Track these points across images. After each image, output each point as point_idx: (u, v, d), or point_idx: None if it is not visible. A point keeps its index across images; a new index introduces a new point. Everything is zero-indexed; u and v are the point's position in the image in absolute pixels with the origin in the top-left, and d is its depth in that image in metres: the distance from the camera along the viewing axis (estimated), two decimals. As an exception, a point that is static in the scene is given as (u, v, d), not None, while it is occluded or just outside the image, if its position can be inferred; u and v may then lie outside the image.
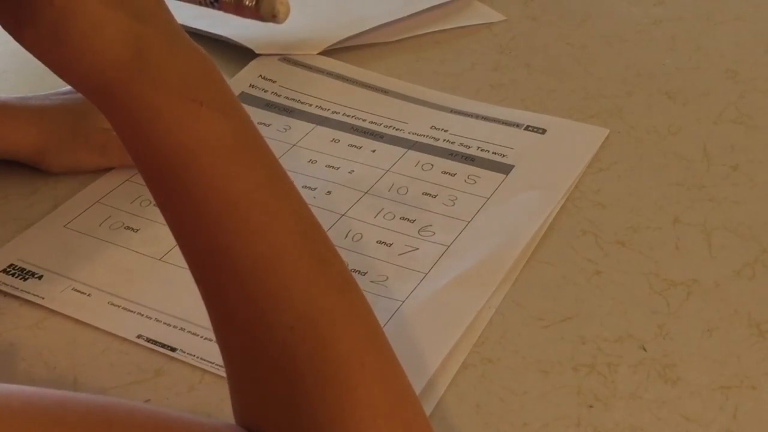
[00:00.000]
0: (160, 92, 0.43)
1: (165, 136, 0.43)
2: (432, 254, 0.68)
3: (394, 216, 0.71)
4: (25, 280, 0.65)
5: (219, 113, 0.44)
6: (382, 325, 0.61)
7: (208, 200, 0.43)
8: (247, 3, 0.52)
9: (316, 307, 0.43)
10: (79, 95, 0.76)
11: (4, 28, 0.47)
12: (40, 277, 0.65)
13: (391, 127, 0.82)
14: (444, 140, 0.80)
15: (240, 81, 0.88)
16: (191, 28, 0.95)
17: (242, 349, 0.44)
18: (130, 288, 0.65)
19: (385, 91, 0.87)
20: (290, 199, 0.45)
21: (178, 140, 0.43)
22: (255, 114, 0.84)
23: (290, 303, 0.43)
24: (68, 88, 0.78)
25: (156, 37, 0.44)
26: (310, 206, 0.49)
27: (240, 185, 0.43)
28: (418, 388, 0.57)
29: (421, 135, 0.81)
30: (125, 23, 0.43)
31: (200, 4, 0.60)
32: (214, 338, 0.60)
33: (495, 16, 1.00)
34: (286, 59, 0.91)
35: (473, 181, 0.75)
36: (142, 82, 0.43)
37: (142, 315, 0.62)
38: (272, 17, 0.51)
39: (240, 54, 0.91)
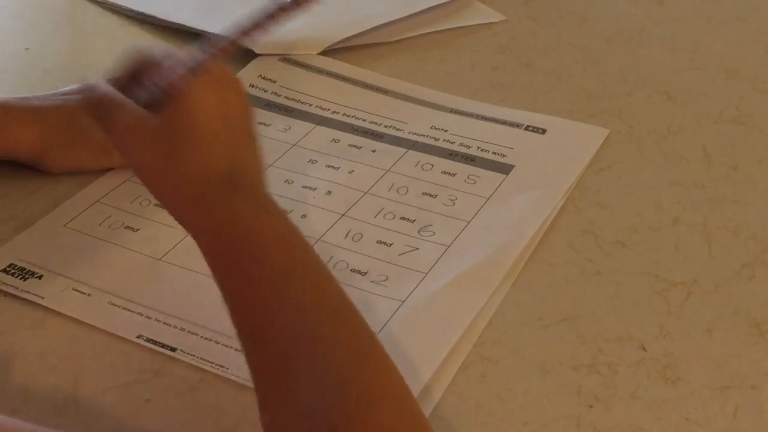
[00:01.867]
0: (247, 201, 0.54)
1: (244, 235, 0.52)
2: (432, 254, 0.68)
3: (394, 216, 0.71)
4: (25, 279, 0.65)
5: (280, 220, 0.54)
6: (382, 326, 0.61)
7: (263, 280, 0.51)
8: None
9: (352, 374, 0.47)
10: (80, 95, 0.77)
11: (119, 150, 0.59)
12: (40, 277, 0.65)
13: (391, 127, 0.82)
14: (444, 140, 0.80)
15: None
16: (191, 28, 0.96)
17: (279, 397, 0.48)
18: (130, 288, 0.64)
19: (385, 91, 0.87)
20: (330, 280, 0.53)
21: (253, 239, 0.52)
22: (255, 114, 0.83)
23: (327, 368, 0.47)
24: (68, 88, 0.78)
25: (246, 159, 0.56)
26: (310, 206, 0.64)
27: (290, 268, 0.52)
28: (417, 388, 0.57)
29: (421, 135, 0.81)
30: (228, 145, 0.55)
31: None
32: (214, 338, 0.61)
33: (495, 16, 1.00)
34: (287, 59, 0.91)
35: (473, 181, 0.75)
36: (234, 191, 0.54)
37: (142, 315, 0.62)
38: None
39: (240, 54, 0.91)
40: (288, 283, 0.51)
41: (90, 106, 0.58)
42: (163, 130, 0.55)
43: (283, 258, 0.52)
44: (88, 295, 0.64)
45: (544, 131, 0.81)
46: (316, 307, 0.50)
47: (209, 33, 0.92)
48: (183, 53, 0.56)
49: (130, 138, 0.56)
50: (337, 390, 0.46)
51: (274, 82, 0.88)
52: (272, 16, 0.55)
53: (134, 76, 0.58)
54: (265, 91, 0.87)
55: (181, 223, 0.56)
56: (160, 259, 0.67)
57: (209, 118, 0.55)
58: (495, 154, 0.78)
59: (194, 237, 0.55)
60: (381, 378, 0.48)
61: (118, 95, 0.57)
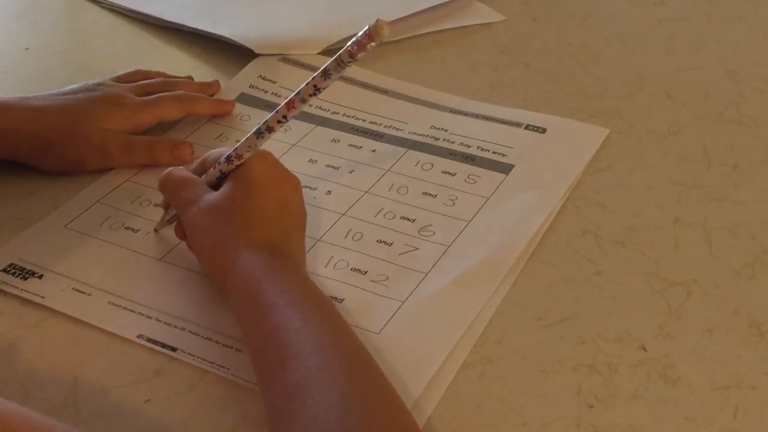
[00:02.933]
0: (282, 264, 0.59)
1: (276, 295, 0.56)
2: (432, 254, 0.68)
3: (395, 216, 0.71)
4: (26, 279, 0.65)
5: (313, 286, 0.59)
6: (382, 326, 0.61)
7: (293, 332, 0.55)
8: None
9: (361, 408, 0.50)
10: (80, 95, 0.77)
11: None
12: (40, 277, 0.65)
13: (391, 127, 0.82)
14: (444, 140, 0.80)
15: (240, 81, 0.88)
16: (191, 28, 0.96)
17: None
18: (130, 288, 0.65)
19: (385, 91, 0.87)
20: (346, 329, 0.56)
21: (283, 298, 0.56)
22: (255, 114, 0.84)
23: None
24: (68, 88, 0.78)
25: (291, 243, 0.62)
26: (310, 206, 0.67)
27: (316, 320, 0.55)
28: (417, 389, 0.57)
29: (421, 135, 0.81)
30: (275, 225, 0.62)
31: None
32: (214, 338, 0.61)
33: (495, 16, 1.00)
34: (286, 59, 0.91)
35: (473, 181, 0.75)
36: (272, 256, 0.59)
37: (142, 315, 0.62)
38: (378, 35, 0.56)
39: (240, 54, 0.91)
40: (310, 325, 0.54)
41: (161, 185, 0.66)
42: (221, 200, 0.62)
43: (307, 306, 0.56)
44: (88, 294, 0.64)
45: (544, 131, 0.81)
46: (333, 346, 0.53)
47: (209, 33, 0.93)
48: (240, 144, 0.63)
49: (189, 206, 0.63)
50: (339, 416, 0.48)
51: (274, 82, 0.88)
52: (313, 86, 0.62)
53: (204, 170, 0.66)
54: (265, 92, 0.87)
55: (215, 280, 0.62)
56: (160, 259, 0.67)
57: (264, 200, 0.62)
58: (495, 153, 0.78)
59: (226, 294, 0.60)
60: (381, 409, 0.50)
61: (186, 175, 0.65)
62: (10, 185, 0.74)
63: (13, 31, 1.01)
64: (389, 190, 0.74)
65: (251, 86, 0.87)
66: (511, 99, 0.86)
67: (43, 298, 0.63)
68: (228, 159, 0.63)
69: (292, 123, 0.82)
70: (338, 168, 0.77)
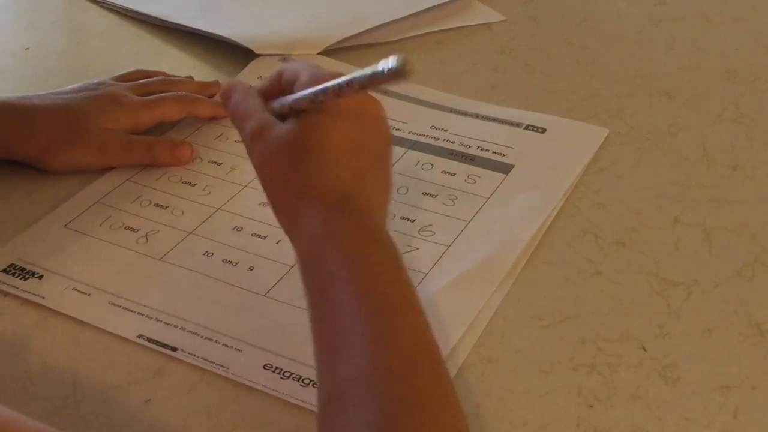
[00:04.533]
0: (349, 222, 0.53)
1: (335, 254, 0.52)
2: (432, 254, 0.68)
3: (394, 216, 0.71)
4: (26, 279, 0.65)
5: (381, 250, 0.53)
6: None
7: (341, 303, 0.50)
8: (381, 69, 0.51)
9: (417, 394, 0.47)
10: (80, 95, 0.77)
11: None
12: (40, 277, 0.65)
13: (390, 126, 0.82)
14: (444, 140, 0.80)
15: (240, 81, 0.88)
16: (191, 28, 0.96)
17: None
18: (130, 288, 0.65)
19: (384, 91, 0.87)
20: (416, 320, 0.51)
21: (342, 260, 0.52)
22: (255, 114, 0.84)
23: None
24: (68, 87, 0.78)
25: (365, 188, 0.56)
26: None
27: (372, 299, 0.51)
28: (418, 388, 0.57)
29: (421, 135, 0.81)
30: (349, 169, 0.55)
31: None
32: (214, 338, 0.61)
33: (495, 16, 1.00)
34: (286, 59, 0.91)
35: (473, 181, 0.75)
36: (340, 210, 0.54)
37: (142, 315, 0.62)
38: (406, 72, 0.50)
39: (240, 54, 0.91)
40: (365, 312, 0.50)
41: (227, 109, 0.61)
42: (289, 139, 0.56)
43: (367, 286, 0.51)
44: (88, 295, 0.64)
45: (544, 131, 0.81)
46: (387, 344, 0.48)
47: (209, 33, 0.93)
48: (335, 73, 0.56)
49: (254, 142, 0.58)
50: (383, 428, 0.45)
51: (274, 82, 0.88)
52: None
53: (281, 89, 0.60)
54: (265, 91, 0.87)
55: (282, 226, 0.57)
56: (160, 259, 0.67)
57: (337, 139, 0.55)
58: (495, 153, 0.78)
59: (292, 242, 0.56)
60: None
61: (253, 102, 0.59)
62: (10, 185, 0.74)
63: (13, 31, 1.01)
64: (389, 190, 0.74)
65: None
66: (511, 99, 0.86)
67: (43, 298, 0.63)
68: (314, 97, 0.56)
69: (292, 123, 0.82)
70: (338, 168, 0.77)
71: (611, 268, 0.67)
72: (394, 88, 0.87)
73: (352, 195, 0.55)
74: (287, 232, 0.57)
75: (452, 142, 0.79)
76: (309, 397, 0.56)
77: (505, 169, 0.76)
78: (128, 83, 0.80)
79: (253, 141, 0.58)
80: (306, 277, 0.53)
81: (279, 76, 0.60)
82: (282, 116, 0.58)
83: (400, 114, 0.83)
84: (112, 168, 0.76)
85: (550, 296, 0.65)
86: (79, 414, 0.56)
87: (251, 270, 0.66)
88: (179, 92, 0.80)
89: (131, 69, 0.84)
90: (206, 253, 0.68)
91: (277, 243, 0.68)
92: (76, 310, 0.63)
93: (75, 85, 0.79)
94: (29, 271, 0.66)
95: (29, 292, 0.64)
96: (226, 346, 0.60)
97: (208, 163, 0.77)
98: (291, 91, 0.58)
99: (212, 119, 0.82)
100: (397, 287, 0.52)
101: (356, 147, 0.56)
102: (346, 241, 0.53)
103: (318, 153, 0.55)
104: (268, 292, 0.64)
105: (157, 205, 0.72)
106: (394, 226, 0.70)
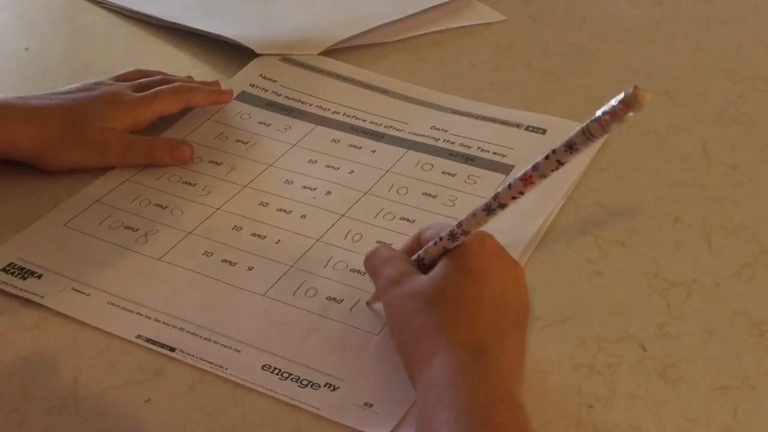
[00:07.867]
0: (495, 378, 0.51)
1: (452, 413, 0.49)
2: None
3: (394, 216, 0.71)
4: (25, 279, 0.65)
5: (508, 414, 0.49)
6: (382, 327, 0.61)
7: None
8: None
9: None
10: (79, 95, 0.77)
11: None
12: (39, 277, 0.65)
13: (391, 127, 0.82)
14: (444, 140, 0.80)
15: (240, 80, 0.88)
16: (191, 28, 0.96)
17: None
18: (130, 288, 0.64)
19: (385, 92, 0.87)
20: None
21: (460, 420, 0.48)
22: (255, 113, 0.84)
23: None
24: (68, 87, 0.78)
25: (504, 348, 0.53)
26: (310, 206, 0.67)
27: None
28: (418, 388, 0.57)
29: (421, 135, 0.81)
30: (489, 327, 0.54)
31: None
32: (213, 338, 0.61)
33: (495, 16, 1.00)
34: (287, 59, 0.91)
35: (473, 182, 0.75)
36: (486, 361, 0.52)
37: (142, 315, 0.62)
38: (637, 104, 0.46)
39: (240, 54, 0.91)
40: None
41: (366, 261, 0.61)
42: (428, 287, 0.55)
43: None
44: (88, 295, 0.64)
45: (544, 131, 0.81)
46: None
47: (209, 33, 0.93)
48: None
49: (392, 286, 0.57)
50: None
51: (275, 81, 0.88)
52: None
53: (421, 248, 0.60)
54: (266, 91, 0.87)
55: (408, 372, 0.55)
56: (160, 259, 0.67)
57: (478, 289, 0.55)
58: (495, 154, 0.78)
59: (414, 387, 0.54)
60: None
61: (393, 253, 0.60)
62: (10, 185, 0.74)
63: (13, 31, 1.00)
64: (389, 190, 0.74)
65: (251, 85, 0.87)
66: (511, 99, 0.86)
67: (42, 297, 0.63)
68: (452, 235, 0.56)
69: (292, 123, 0.82)
70: (338, 168, 0.77)
71: (611, 268, 0.67)
72: (395, 88, 0.87)
73: (490, 351, 0.52)
74: (413, 378, 0.54)
75: (452, 143, 0.79)
76: (307, 398, 0.56)
77: (506, 170, 0.76)
78: (127, 83, 0.80)
79: (391, 285, 0.57)
80: (420, 422, 0.51)
81: (418, 237, 0.61)
82: (422, 268, 0.58)
83: (401, 114, 0.83)
84: (112, 168, 0.76)
85: (550, 296, 0.65)
86: (79, 414, 0.56)
87: (250, 270, 0.66)
88: (175, 84, 0.80)
89: (131, 69, 0.84)
90: (206, 253, 0.67)
91: (277, 243, 0.68)
92: (76, 309, 0.63)
93: (74, 85, 0.79)
94: (29, 270, 0.66)
95: (29, 292, 0.64)
96: (225, 346, 0.60)
97: (208, 163, 0.77)
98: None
99: (212, 117, 0.82)
100: None
101: (498, 304, 0.55)
102: (476, 388, 0.50)
103: (460, 300, 0.54)
104: (267, 291, 0.64)
105: (157, 205, 0.72)
106: (394, 227, 0.70)
